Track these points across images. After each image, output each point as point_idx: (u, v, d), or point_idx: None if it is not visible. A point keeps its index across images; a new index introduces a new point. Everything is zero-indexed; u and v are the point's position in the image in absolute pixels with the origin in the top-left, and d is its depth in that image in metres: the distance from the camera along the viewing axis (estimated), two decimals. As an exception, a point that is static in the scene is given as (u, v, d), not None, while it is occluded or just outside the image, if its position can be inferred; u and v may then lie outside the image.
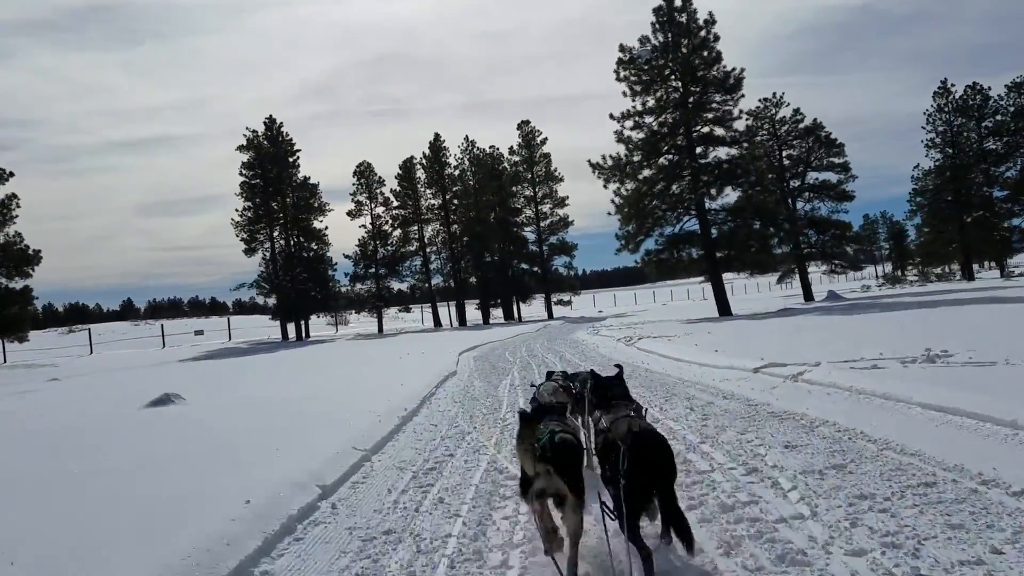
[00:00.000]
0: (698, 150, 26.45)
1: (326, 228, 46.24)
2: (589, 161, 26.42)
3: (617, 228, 26.50)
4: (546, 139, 53.41)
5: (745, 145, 26.36)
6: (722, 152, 26.31)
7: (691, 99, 26.08)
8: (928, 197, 48.03)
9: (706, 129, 26.70)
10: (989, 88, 46.22)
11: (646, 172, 26.04)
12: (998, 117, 45.89)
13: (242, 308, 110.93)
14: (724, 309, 27.87)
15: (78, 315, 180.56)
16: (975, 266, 50.47)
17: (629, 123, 26.48)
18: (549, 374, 6.22)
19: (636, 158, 26.29)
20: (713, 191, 25.91)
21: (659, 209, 26.41)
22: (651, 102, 26.27)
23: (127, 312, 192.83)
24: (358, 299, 51.36)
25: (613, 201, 26.40)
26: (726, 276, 31.83)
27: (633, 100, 26.37)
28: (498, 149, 55.34)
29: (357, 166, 50.09)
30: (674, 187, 26.09)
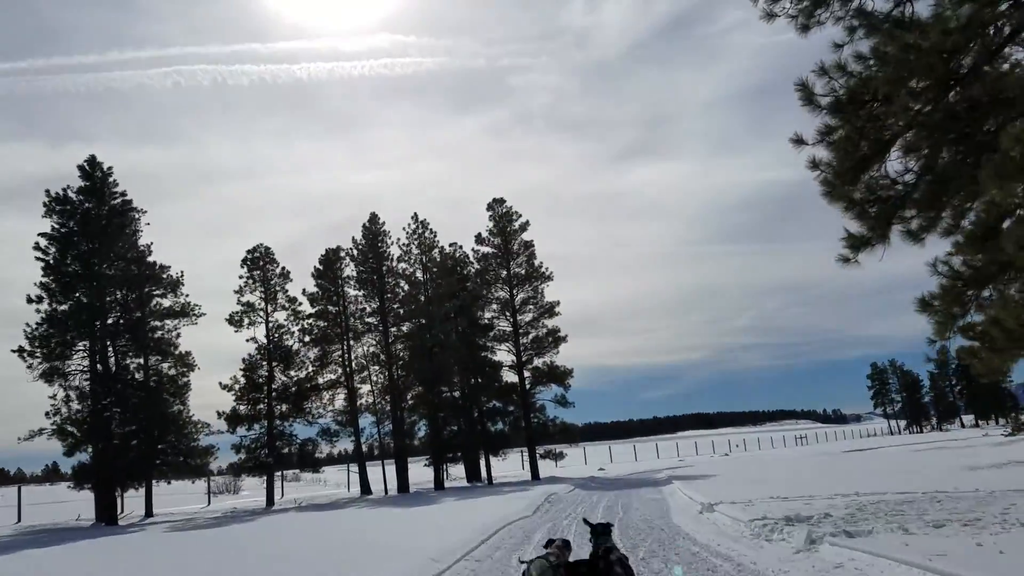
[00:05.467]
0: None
1: (175, 335, 29.18)
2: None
3: (822, 172, 8.61)
4: (527, 223, 38.29)
5: None
6: None
7: None
8: None
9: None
10: None
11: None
12: None
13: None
14: None
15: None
16: None
17: None
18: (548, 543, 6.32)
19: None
20: None
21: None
22: None
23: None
24: (245, 458, 32.90)
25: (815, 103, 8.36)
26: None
27: None
28: (461, 248, 39.93)
29: (248, 252, 33.63)
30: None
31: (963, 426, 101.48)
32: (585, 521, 7.39)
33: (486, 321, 38.23)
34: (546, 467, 40.72)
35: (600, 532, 6.87)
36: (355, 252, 36.60)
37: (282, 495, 38.61)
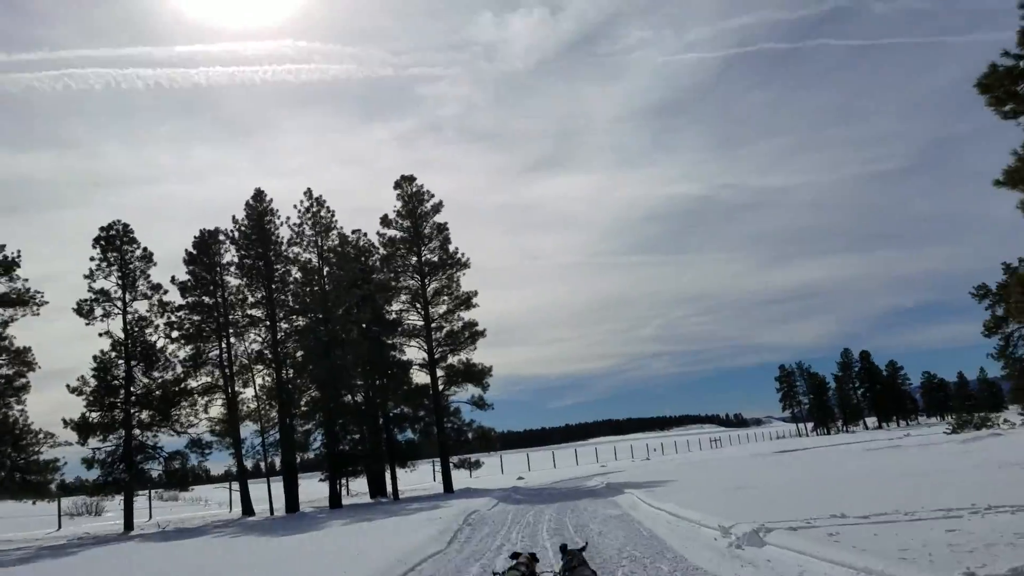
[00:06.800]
0: None
1: (3, 327, 23.41)
2: None
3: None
4: (440, 204, 34.08)
5: None
6: None
7: None
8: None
9: None
10: None
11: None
12: None
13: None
14: None
15: None
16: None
17: None
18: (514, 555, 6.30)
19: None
20: None
21: None
22: None
23: None
24: (98, 474, 27.09)
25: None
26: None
27: None
28: (365, 236, 35.04)
29: (101, 229, 27.84)
30: None
31: (867, 427, 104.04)
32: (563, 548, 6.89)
33: (393, 315, 33.77)
34: (460, 478, 36.77)
35: (572, 554, 6.59)
36: (236, 234, 31.32)
37: (149, 517, 32.84)
